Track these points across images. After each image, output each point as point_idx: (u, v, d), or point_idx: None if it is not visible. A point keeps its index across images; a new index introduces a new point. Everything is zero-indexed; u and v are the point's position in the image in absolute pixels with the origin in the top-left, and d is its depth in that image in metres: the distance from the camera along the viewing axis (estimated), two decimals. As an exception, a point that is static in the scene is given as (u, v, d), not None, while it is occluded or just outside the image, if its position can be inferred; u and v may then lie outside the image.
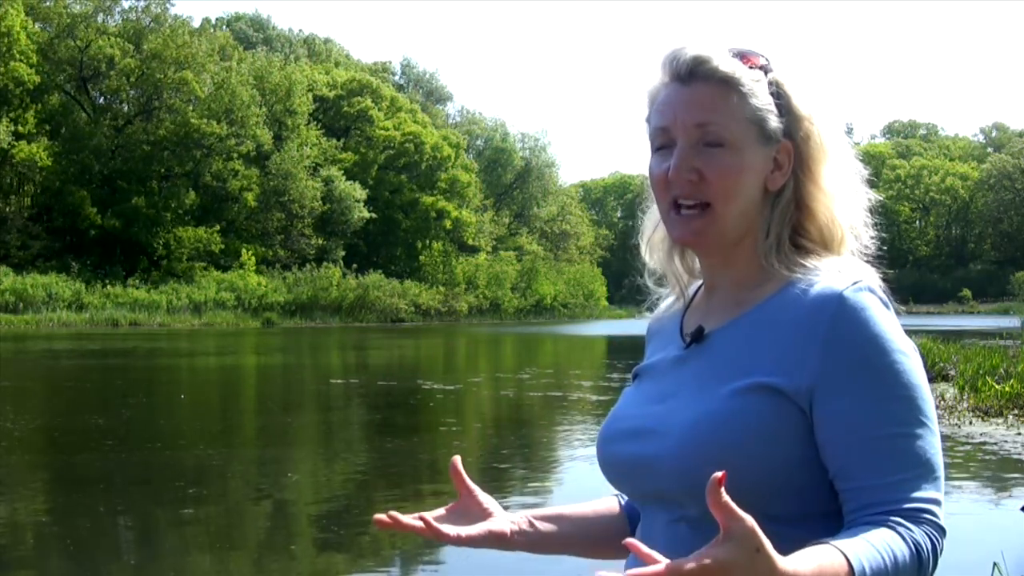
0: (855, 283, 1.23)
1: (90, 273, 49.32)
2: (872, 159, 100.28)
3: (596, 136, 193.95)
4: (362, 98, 67.67)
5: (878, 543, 1.12)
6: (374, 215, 62.58)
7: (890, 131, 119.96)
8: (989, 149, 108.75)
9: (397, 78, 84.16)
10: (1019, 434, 10.45)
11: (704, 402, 1.24)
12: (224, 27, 74.72)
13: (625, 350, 28.35)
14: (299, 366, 23.59)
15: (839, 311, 1.20)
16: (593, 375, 20.70)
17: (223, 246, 54.72)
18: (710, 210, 1.27)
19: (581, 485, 7.90)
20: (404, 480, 8.51)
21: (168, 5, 59.04)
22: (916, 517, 1.16)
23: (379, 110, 67.91)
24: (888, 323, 1.22)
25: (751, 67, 1.28)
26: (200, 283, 51.72)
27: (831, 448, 1.19)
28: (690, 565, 0.99)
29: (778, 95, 1.29)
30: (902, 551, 1.13)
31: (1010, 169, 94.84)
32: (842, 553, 1.09)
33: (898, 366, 1.19)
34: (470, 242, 68.56)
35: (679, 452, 1.23)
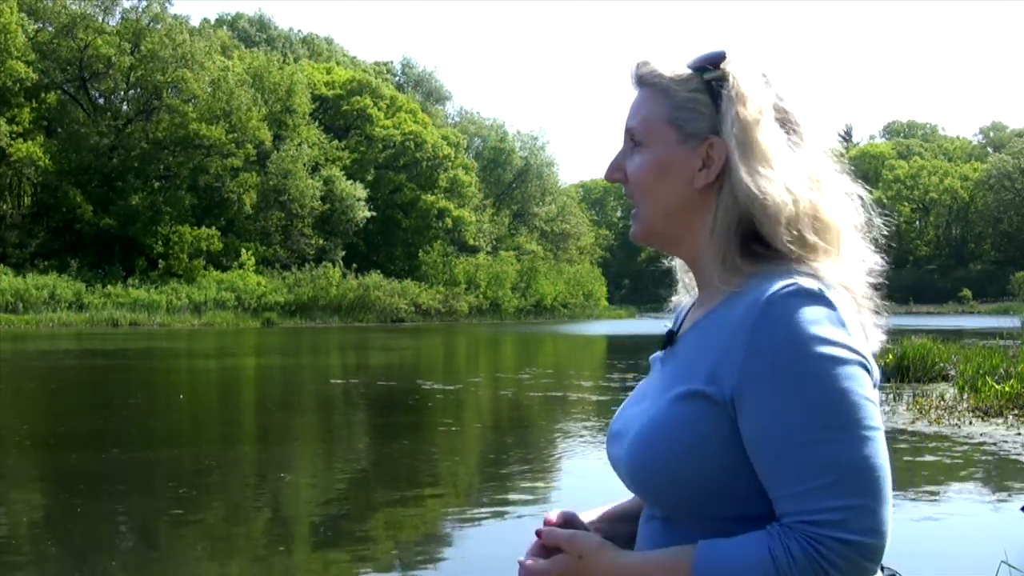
0: (786, 287, 1.19)
1: (89, 273, 49.32)
2: (872, 159, 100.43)
3: (596, 136, 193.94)
4: (362, 97, 67.68)
5: (734, 543, 1.17)
6: (374, 214, 62.60)
7: (890, 131, 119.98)
8: (989, 149, 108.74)
9: (397, 78, 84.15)
10: (1019, 434, 10.45)
11: (654, 407, 1.28)
12: (225, 27, 74.75)
13: (625, 350, 28.34)
14: (299, 366, 23.58)
15: (761, 317, 1.18)
16: (593, 375, 20.70)
17: (223, 246, 54.70)
18: (636, 210, 1.34)
19: (581, 485, 7.90)
20: (404, 480, 8.51)
21: (167, 4, 59.07)
22: (806, 527, 1.12)
23: (379, 109, 67.92)
24: (815, 328, 1.17)
25: (688, 69, 1.30)
26: (200, 283, 51.74)
27: (753, 457, 1.19)
28: (543, 565, 1.28)
29: (714, 94, 1.28)
30: (757, 559, 1.14)
31: (1010, 169, 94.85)
32: (691, 549, 1.19)
33: (816, 372, 1.15)
34: (470, 242, 68.58)
35: (629, 457, 1.29)
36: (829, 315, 1.18)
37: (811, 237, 1.25)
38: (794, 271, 1.23)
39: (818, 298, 1.19)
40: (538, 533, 1.33)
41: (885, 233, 1.36)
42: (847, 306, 1.23)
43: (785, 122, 1.28)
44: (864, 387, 1.17)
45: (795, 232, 1.24)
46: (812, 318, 1.17)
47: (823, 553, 1.11)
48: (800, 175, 1.26)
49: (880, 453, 1.16)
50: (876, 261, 1.34)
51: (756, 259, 1.26)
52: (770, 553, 1.13)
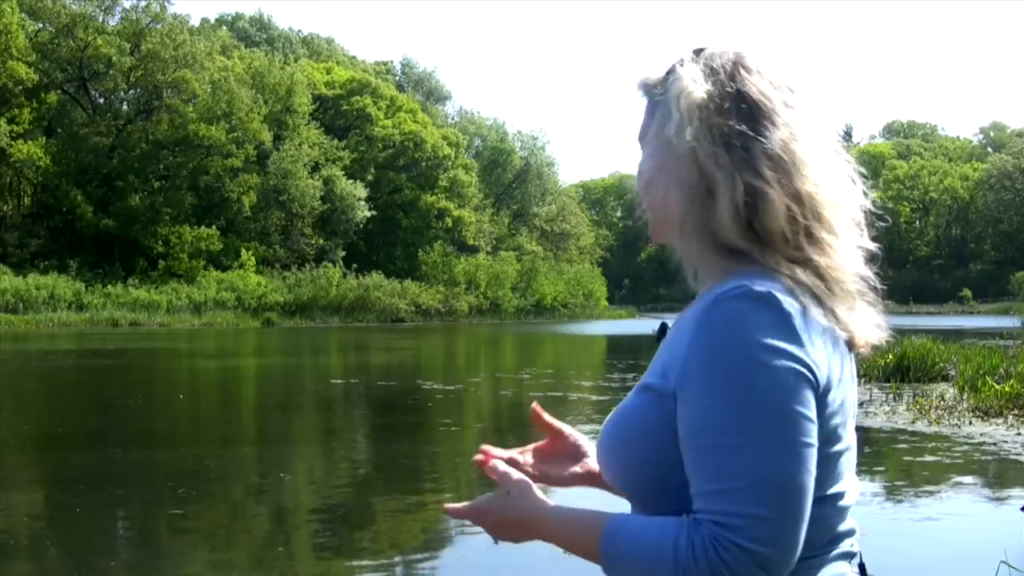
0: (735, 288, 1.18)
1: (89, 273, 49.33)
2: (872, 159, 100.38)
3: (596, 136, 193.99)
4: (362, 97, 67.68)
5: (647, 523, 1.19)
6: (374, 213, 62.60)
7: (890, 131, 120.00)
8: (989, 149, 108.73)
9: (397, 78, 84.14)
10: (1019, 434, 10.44)
11: (626, 399, 1.31)
12: (224, 27, 74.74)
13: (625, 350, 28.34)
14: (299, 366, 23.59)
15: (704, 316, 1.18)
16: (593, 375, 20.70)
17: (223, 246, 54.70)
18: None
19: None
20: (404, 480, 8.51)
21: (167, 4, 59.09)
22: (713, 526, 1.12)
23: (379, 109, 67.92)
24: (755, 332, 1.15)
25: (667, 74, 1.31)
26: (200, 283, 51.75)
27: (681, 451, 1.19)
28: (469, 504, 1.35)
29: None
30: (660, 542, 1.15)
31: (1010, 169, 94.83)
32: (608, 516, 1.22)
33: (746, 376, 1.14)
34: (470, 242, 68.58)
35: (597, 444, 1.33)
36: (774, 320, 1.16)
37: (767, 233, 1.22)
38: (757, 272, 1.21)
39: (766, 302, 1.17)
40: (485, 452, 1.40)
41: (880, 224, 1.34)
42: (809, 312, 1.19)
43: (748, 113, 1.24)
44: (797, 398, 1.14)
45: (742, 231, 1.22)
46: (753, 322, 1.15)
47: (721, 555, 1.11)
48: (755, 169, 1.22)
49: (797, 467, 1.13)
50: (874, 254, 1.31)
51: (730, 257, 1.24)
52: (674, 542, 1.14)
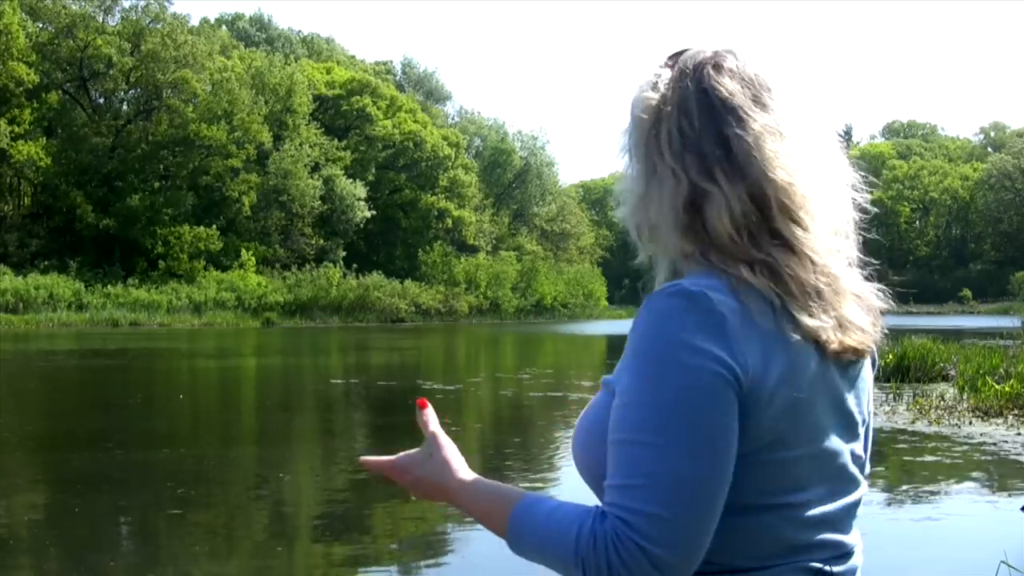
0: (668, 287, 1.17)
1: (89, 273, 49.33)
2: (872, 159, 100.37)
3: (596, 136, 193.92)
4: (362, 97, 67.67)
5: (557, 507, 1.19)
6: (374, 213, 62.60)
7: (890, 131, 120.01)
8: (989, 149, 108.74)
9: (397, 78, 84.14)
10: (1019, 434, 10.45)
11: None
12: (224, 26, 74.73)
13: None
14: (299, 366, 23.59)
15: (637, 314, 1.19)
16: (593, 375, 20.70)
17: (222, 246, 54.71)
18: None
19: (581, 485, 7.89)
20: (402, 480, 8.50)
21: (167, 4, 59.09)
22: (615, 520, 1.12)
23: (379, 109, 67.92)
24: (677, 332, 1.13)
25: None
26: (200, 283, 51.76)
27: None
28: (393, 458, 1.39)
29: None
30: (564, 529, 1.15)
31: (1010, 169, 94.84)
32: (521, 496, 1.23)
33: (659, 375, 1.13)
34: (470, 242, 68.59)
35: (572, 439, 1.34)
36: (700, 320, 1.14)
37: (715, 235, 1.21)
38: (703, 272, 1.21)
39: (695, 300, 1.15)
40: (421, 403, 1.42)
41: (866, 223, 1.31)
42: (750, 312, 1.16)
43: (708, 113, 1.23)
44: (712, 400, 1.12)
45: (687, 232, 1.22)
46: (678, 321, 1.14)
47: (619, 550, 1.10)
48: (706, 170, 1.21)
49: (701, 469, 1.11)
50: (869, 256, 1.30)
51: (683, 258, 1.25)
52: (577, 530, 1.14)
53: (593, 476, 1.26)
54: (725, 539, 1.16)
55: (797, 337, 1.18)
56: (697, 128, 1.23)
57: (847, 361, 1.24)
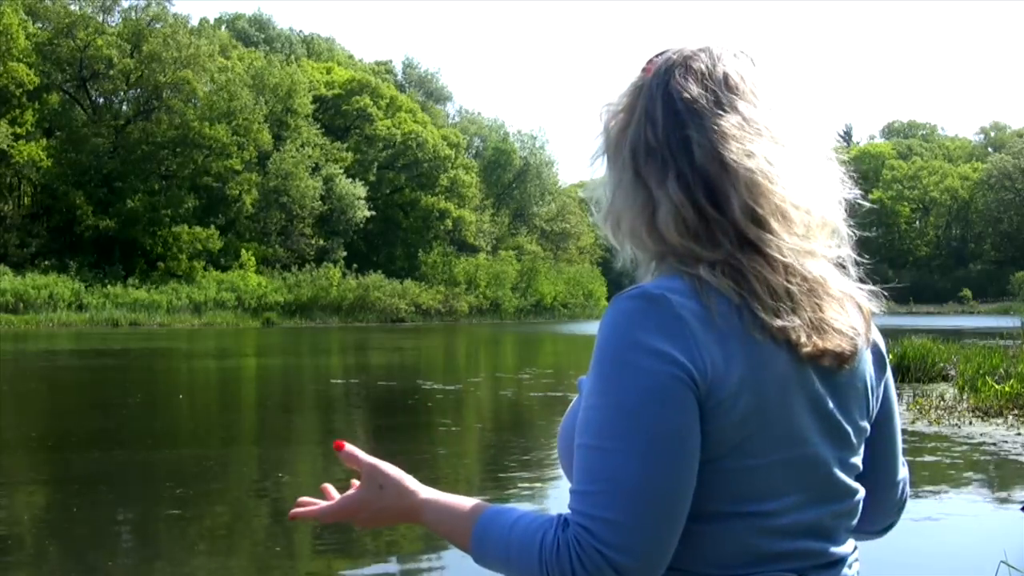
0: (632, 289, 1.17)
1: (89, 273, 49.32)
2: (872, 159, 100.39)
3: (596, 136, 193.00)
4: (362, 97, 67.66)
5: (520, 517, 1.19)
6: (373, 213, 62.58)
7: (890, 131, 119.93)
8: (989, 149, 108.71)
9: (398, 78, 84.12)
10: (1019, 434, 10.44)
11: None
12: (224, 27, 74.69)
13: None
14: (299, 366, 23.58)
15: (602, 317, 1.19)
16: (593, 375, 20.68)
17: (222, 246, 54.71)
18: None
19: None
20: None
21: (168, 4, 59.08)
22: (577, 526, 1.12)
23: (379, 109, 67.90)
24: (636, 332, 1.13)
25: None
26: (200, 283, 51.77)
27: None
28: (334, 504, 1.34)
29: None
30: (527, 539, 1.15)
31: (1010, 169, 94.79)
32: (483, 508, 1.23)
33: (613, 377, 1.13)
34: (471, 242, 68.58)
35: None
36: (659, 322, 1.13)
37: (668, 238, 1.21)
38: (668, 273, 1.20)
39: (655, 302, 1.14)
40: (337, 446, 1.36)
41: (852, 222, 1.28)
42: (712, 314, 1.14)
43: (671, 117, 1.23)
44: (670, 403, 1.11)
45: (645, 235, 1.23)
46: (637, 323, 1.13)
47: (581, 557, 1.10)
48: (660, 174, 1.22)
49: (660, 474, 1.10)
50: (846, 254, 1.27)
51: (659, 261, 1.25)
52: (541, 538, 1.13)
53: (568, 475, 1.25)
54: (693, 546, 1.15)
55: (762, 338, 1.15)
56: (660, 134, 1.22)
57: (830, 366, 1.19)
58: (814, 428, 1.19)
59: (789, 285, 1.18)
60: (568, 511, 1.14)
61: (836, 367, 1.20)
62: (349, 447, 1.36)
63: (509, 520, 1.19)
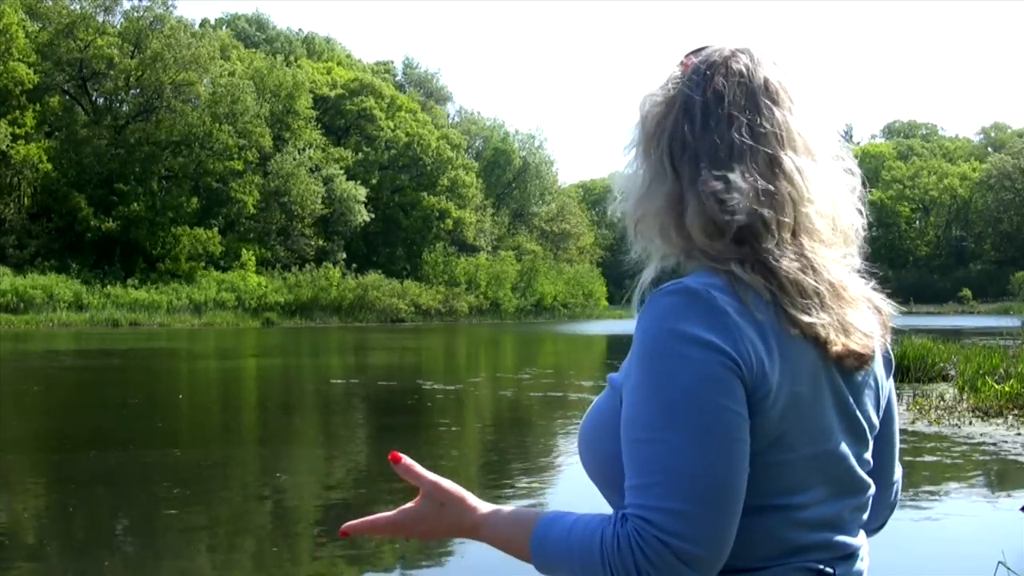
0: (671, 285, 1.18)
1: (89, 273, 49.32)
2: (872, 159, 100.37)
3: (596, 136, 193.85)
4: (363, 98, 67.67)
5: (577, 519, 1.18)
6: (373, 215, 62.59)
7: (890, 131, 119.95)
8: (989, 149, 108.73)
9: (398, 78, 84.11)
10: (1019, 434, 10.45)
11: None
12: (224, 27, 74.68)
13: (625, 350, 27.99)
14: (299, 366, 23.59)
15: (641, 312, 1.19)
16: (593, 375, 20.70)
17: (223, 247, 54.72)
18: None
19: (581, 485, 7.89)
20: (403, 481, 8.50)
21: (171, 7, 59.06)
22: (637, 519, 1.11)
23: (380, 110, 67.91)
24: (681, 326, 1.14)
25: None
26: (200, 283, 51.77)
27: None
28: (392, 517, 1.33)
29: None
30: (587, 538, 1.15)
31: (1010, 169, 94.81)
32: (539, 515, 1.22)
33: (666, 371, 1.13)
34: (471, 242, 68.59)
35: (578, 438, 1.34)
36: (703, 314, 1.14)
37: (699, 234, 1.22)
38: (701, 269, 1.21)
39: (697, 296, 1.16)
40: (394, 458, 1.34)
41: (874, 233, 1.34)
42: (749, 309, 1.16)
43: (707, 115, 1.24)
44: (722, 392, 1.12)
45: (675, 230, 1.25)
46: (682, 316, 1.15)
47: (644, 549, 1.10)
48: (694, 171, 1.23)
49: (718, 461, 1.11)
50: (868, 259, 1.30)
51: (688, 257, 1.26)
52: (600, 537, 1.13)
53: (600, 475, 1.26)
54: None
55: (796, 332, 1.17)
56: (697, 131, 1.24)
57: (851, 367, 1.23)
58: (837, 424, 1.22)
59: (818, 286, 1.21)
60: (626, 506, 1.14)
61: (857, 367, 1.24)
62: (406, 460, 1.34)
63: (567, 523, 1.19)
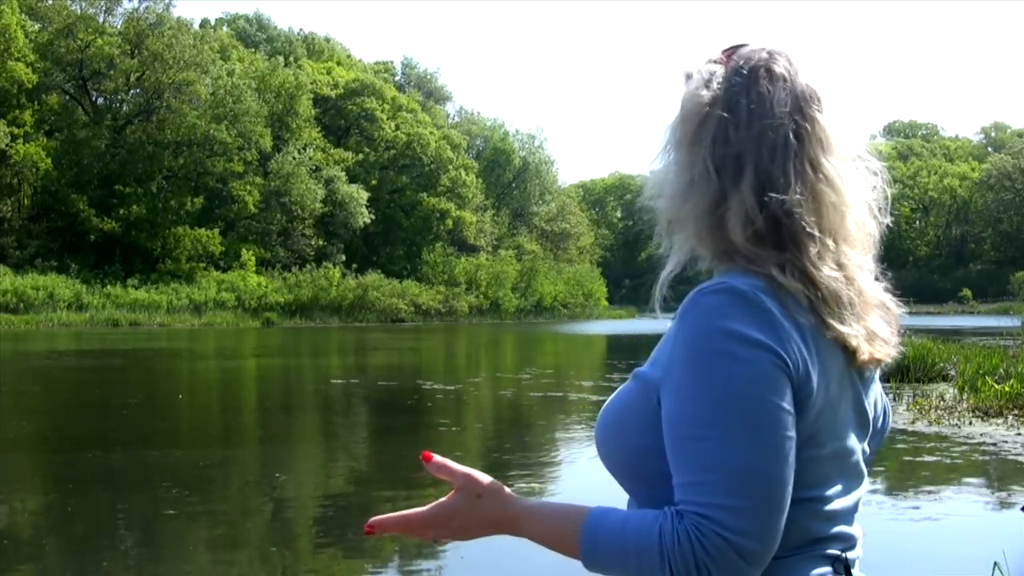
0: (716, 284, 1.19)
1: (89, 273, 49.32)
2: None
3: (596, 136, 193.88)
4: (364, 98, 67.65)
5: (628, 515, 1.18)
6: (373, 217, 62.59)
7: (890, 131, 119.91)
8: (989, 149, 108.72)
9: (398, 78, 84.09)
10: (1019, 434, 10.45)
11: None
12: (224, 27, 74.67)
13: (625, 350, 28.34)
14: (299, 366, 23.59)
15: (684, 310, 1.20)
16: (593, 375, 20.70)
17: (223, 248, 54.71)
18: None
19: (581, 485, 7.90)
20: (403, 481, 8.51)
21: (171, 7, 59.08)
22: (694, 516, 1.12)
23: (381, 111, 67.90)
24: (730, 324, 1.15)
25: None
26: (200, 283, 51.78)
27: (665, 443, 1.19)
28: (425, 512, 1.30)
29: None
30: (644, 533, 1.15)
31: (1010, 169, 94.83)
32: (587, 509, 1.20)
33: (716, 369, 1.14)
34: (471, 242, 68.59)
35: (596, 428, 1.32)
36: (751, 313, 1.16)
37: (741, 237, 1.22)
38: (740, 271, 1.22)
39: (744, 297, 1.17)
40: (425, 457, 1.31)
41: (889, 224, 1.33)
42: (790, 312, 1.18)
43: (748, 119, 1.24)
44: (773, 389, 1.14)
45: (717, 233, 1.25)
46: (731, 315, 1.16)
47: (704, 544, 1.11)
48: (736, 175, 1.23)
49: (772, 456, 1.13)
50: (874, 264, 1.31)
51: (715, 256, 1.27)
52: (659, 531, 1.14)
53: (623, 468, 1.27)
54: None
55: (830, 338, 1.21)
56: (742, 133, 1.24)
57: (869, 369, 1.28)
58: (851, 420, 1.27)
59: (851, 295, 1.24)
60: (680, 503, 1.15)
61: (873, 369, 1.30)
62: (438, 458, 1.32)
63: (619, 518, 1.19)
